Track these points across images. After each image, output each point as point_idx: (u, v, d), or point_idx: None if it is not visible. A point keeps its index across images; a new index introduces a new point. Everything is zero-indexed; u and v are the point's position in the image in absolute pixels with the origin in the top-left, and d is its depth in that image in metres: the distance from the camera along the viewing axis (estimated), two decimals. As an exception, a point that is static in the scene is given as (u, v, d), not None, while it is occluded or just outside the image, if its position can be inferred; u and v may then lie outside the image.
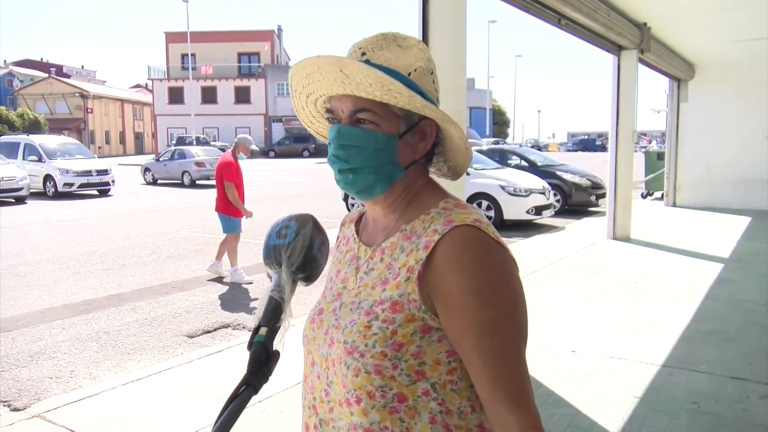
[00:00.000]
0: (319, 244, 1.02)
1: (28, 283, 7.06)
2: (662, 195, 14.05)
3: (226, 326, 5.43)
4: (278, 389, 3.61)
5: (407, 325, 0.92)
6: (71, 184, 17.86)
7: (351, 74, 0.92)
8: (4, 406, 3.82)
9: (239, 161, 6.74)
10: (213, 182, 23.70)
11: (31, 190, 17.02)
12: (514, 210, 10.83)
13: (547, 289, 6.27)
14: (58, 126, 46.63)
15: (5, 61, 71.04)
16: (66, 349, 4.86)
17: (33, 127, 42.00)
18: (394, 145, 0.97)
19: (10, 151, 18.78)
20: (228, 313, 5.82)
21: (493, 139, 36.65)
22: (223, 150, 25.56)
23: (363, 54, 0.98)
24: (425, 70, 1.00)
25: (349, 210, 11.02)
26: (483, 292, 0.91)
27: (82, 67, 77.87)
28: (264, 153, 42.02)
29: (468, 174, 5.10)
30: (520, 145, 25.71)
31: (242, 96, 48.84)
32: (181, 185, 21.38)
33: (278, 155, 42.38)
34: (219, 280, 7.02)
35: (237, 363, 4.19)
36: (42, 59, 71.09)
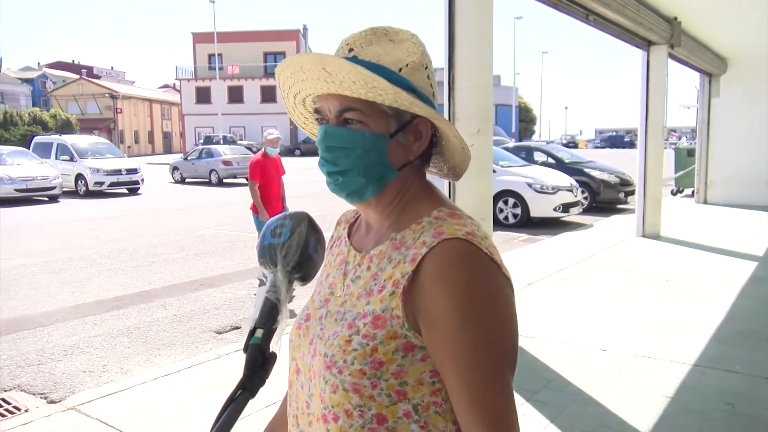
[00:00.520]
0: (315, 243, 0.98)
1: (61, 279, 7.23)
2: (693, 192, 13.80)
3: (254, 323, 5.48)
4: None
5: (389, 343, 0.87)
6: (102, 183, 18.21)
7: (333, 72, 0.87)
8: (41, 398, 3.92)
9: (273, 156, 6.58)
10: (240, 180, 23.88)
11: (64, 189, 17.39)
12: (540, 207, 10.73)
13: (575, 287, 6.21)
14: (88, 126, 47.60)
15: (39, 63, 72.83)
16: (98, 344, 4.97)
17: (65, 127, 42.90)
18: (385, 146, 0.92)
19: (44, 151, 19.26)
20: (255, 309, 5.87)
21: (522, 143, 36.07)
22: (249, 149, 25.85)
23: (350, 50, 0.94)
24: (418, 64, 0.94)
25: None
26: (467, 313, 0.84)
27: (112, 68, 79.45)
28: (290, 151, 42.30)
29: (494, 171, 5.06)
30: (548, 143, 25.43)
31: (268, 95, 49.21)
32: (209, 183, 21.66)
33: (303, 153, 42.63)
34: (252, 276, 7.09)
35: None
36: (73, 61, 72.75)
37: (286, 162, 7.73)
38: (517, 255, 8.01)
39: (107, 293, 6.55)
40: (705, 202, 13.10)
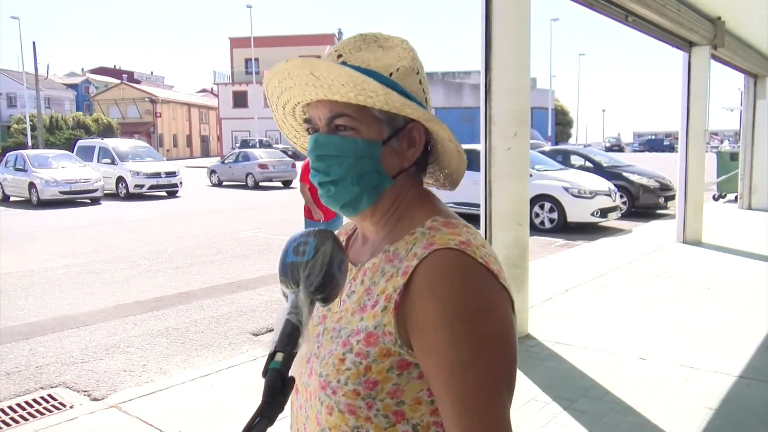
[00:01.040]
0: (339, 263, 0.90)
1: (103, 279, 7.42)
2: (736, 197, 13.40)
3: (289, 325, 5.53)
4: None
5: (382, 361, 0.83)
6: (142, 186, 18.65)
7: (321, 75, 0.84)
8: (85, 395, 4.03)
9: None
10: (275, 184, 24.06)
11: (105, 192, 17.86)
12: (577, 212, 10.57)
13: (613, 294, 6.09)
14: (129, 130, 48.87)
15: (83, 69, 75.02)
16: (138, 343, 5.08)
17: (106, 131, 44.14)
18: (378, 152, 0.89)
19: (87, 154, 19.83)
20: (291, 312, 5.93)
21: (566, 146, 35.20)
22: (285, 152, 26.12)
23: (339, 56, 0.91)
24: (409, 69, 0.91)
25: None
26: (457, 327, 0.79)
27: (152, 72, 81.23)
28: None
29: (530, 175, 4.97)
30: (585, 146, 25.00)
31: (304, 99, 49.71)
32: (245, 187, 21.95)
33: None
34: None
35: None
36: (115, 66, 74.61)
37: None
38: (554, 260, 7.91)
39: (147, 294, 6.70)
40: (749, 207, 12.71)
